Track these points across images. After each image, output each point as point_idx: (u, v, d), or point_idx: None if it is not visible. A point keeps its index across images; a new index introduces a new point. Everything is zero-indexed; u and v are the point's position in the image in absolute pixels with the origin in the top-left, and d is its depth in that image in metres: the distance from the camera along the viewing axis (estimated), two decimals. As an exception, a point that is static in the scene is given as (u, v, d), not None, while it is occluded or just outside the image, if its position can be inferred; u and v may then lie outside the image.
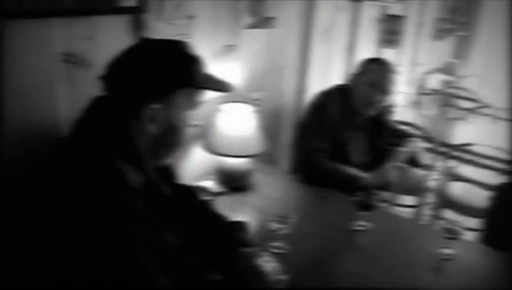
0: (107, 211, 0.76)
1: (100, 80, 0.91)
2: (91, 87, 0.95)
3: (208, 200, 1.27)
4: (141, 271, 0.76)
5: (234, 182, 1.68)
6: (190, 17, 1.49)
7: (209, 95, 0.99)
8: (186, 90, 0.93)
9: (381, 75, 1.86)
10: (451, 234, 1.34)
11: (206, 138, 1.65)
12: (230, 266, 1.08)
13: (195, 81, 0.93)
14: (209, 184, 1.65)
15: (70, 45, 1.15)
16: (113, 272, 0.73)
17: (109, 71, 0.91)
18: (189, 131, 0.99)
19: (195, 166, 1.69)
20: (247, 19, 1.79)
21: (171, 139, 0.95)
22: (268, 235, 1.30)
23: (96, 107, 0.92)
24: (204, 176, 1.71)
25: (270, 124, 2.03)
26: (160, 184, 0.97)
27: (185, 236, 1.02)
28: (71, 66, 1.16)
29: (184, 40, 0.98)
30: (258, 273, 1.07)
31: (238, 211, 1.56)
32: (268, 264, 1.10)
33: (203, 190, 1.53)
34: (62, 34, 1.12)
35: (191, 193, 1.20)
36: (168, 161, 1.03)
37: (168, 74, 0.90)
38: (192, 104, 0.96)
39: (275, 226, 1.29)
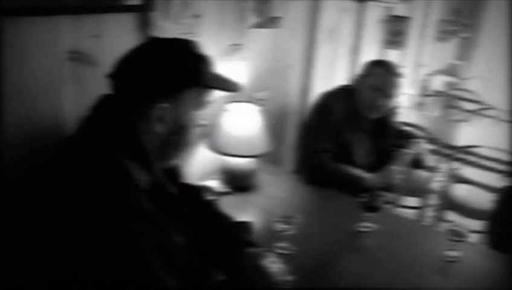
0: (113, 211, 0.76)
1: (107, 78, 0.91)
2: (98, 86, 0.95)
3: (212, 200, 1.27)
4: (147, 271, 0.75)
5: (239, 182, 1.68)
6: (196, 16, 1.49)
7: (215, 94, 0.99)
8: (194, 89, 0.92)
9: (386, 79, 1.84)
10: (457, 236, 1.33)
11: (211, 137, 1.65)
12: (235, 266, 1.07)
13: (203, 81, 0.92)
14: (214, 184, 1.65)
15: (76, 42, 1.14)
16: (119, 272, 0.73)
17: (116, 70, 0.90)
18: (196, 130, 0.99)
19: (200, 165, 1.68)
20: (253, 19, 1.79)
21: (179, 138, 0.94)
22: (273, 235, 1.29)
23: (103, 106, 0.91)
24: (209, 176, 1.71)
25: (274, 123, 2.03)
26: (166, 184, 0.97)
27: (191, 236, 1.02)
28: (77, 64, 1.16)
29: (191, 39, 0.97)
30: (263, 274, 1.06)
31: (243, 211, 1.55)
32: (273, 264, 1.10)
33: (207, 189, 1.53)
34: (68, 32, 1.12)
35: (196, 192, 1.19)
36: (175, 160, 1.02)
37: (177, 73, 0.89)
38: (201, 103, 0.95)
39: (280, 226, 1.29)
